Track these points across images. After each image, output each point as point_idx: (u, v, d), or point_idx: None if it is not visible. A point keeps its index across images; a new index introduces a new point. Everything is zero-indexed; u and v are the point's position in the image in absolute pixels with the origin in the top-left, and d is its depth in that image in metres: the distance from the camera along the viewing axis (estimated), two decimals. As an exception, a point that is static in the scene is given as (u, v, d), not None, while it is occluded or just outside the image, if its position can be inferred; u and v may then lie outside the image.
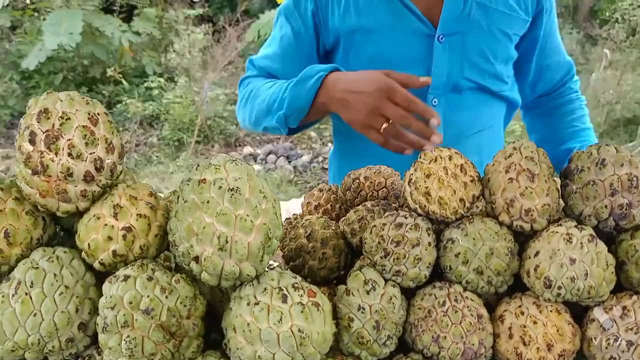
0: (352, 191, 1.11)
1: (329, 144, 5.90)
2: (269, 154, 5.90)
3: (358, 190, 1.10)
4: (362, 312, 0.75)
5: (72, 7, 6.91)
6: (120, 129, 6.49)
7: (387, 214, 0.82)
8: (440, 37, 1.37)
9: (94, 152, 0.75)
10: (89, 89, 7.12)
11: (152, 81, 6.70)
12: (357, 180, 1.11)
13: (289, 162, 5.75)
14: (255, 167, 5.63)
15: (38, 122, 0.73)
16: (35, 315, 0.71)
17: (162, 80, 6.76)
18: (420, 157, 0.81)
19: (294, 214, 1.22)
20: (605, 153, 0.76)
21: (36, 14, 7.66)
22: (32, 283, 0.72)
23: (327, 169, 5.55)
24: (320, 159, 5.72)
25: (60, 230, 0.87)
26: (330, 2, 1.43)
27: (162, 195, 0.89)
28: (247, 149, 6.06)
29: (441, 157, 0.79)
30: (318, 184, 5.16)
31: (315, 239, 0.97)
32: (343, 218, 1.04)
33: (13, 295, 0.72)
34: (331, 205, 1.15)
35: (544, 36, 1.51)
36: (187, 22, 7.80)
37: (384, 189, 1.09)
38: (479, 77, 1.43)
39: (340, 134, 1.64)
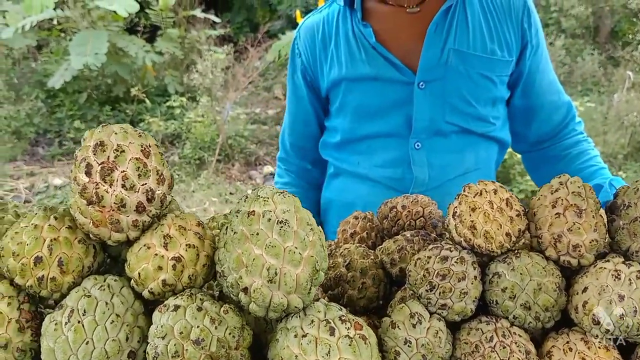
0: (389, 220, 1.12)
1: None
2: (289, 173, 5.92)
3: (395, 219, 1.11)
4: (408, 345, 0.75)
5: (98, 28, 7.08)
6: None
7: (431, 246, 0.83)
8: (421, 83, 1.41)
9: (146, 184, 0.77)
10: (112, 107, 7.26)
11: (174, 100, 6.81)
12: (395, 209, 1.12)
13: (309, 181, 5.77)
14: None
15: (94, 154, 0.75)
16: (87, 343, 0.72)
17: (183, 99, 6.86)
18: (464, 191, 0.82)
19: (329, 241, 1.23)
20: (653, 189, 0.76)
21: (62, 34, 7.85)
22: (84, 311, 0.74)
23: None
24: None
25: (107, 257, 0.89)
26: (318, 59, 1.54)
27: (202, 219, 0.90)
28: (268, 168, 6.10)
29: (486, 191, 0.80)
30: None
31: (354, 269, 0.97)
32: (381, 247, 1.05)
33: (66, 324, 0.73)
34: (367, 233, 1.15)
35: (530, 73, 1.49)
36: (209, 42, 7.94)
37: (422, 218, 1.09)
38: (462, 121, 1.45)
39: (329, 166, 1.74)
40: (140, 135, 0.80)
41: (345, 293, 0.97)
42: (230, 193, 5.29)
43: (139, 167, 0.76)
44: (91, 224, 0.76)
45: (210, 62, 6.21)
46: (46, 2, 6.36)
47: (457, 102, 1.43)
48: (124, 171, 0.76)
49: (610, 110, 6.04)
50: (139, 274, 0.77)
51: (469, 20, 1.41)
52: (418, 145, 1.46)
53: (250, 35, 8.71)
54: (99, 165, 0.75)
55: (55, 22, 7.48)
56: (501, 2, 1.44)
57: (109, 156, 0.76)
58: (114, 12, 6.92)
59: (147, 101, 6.87)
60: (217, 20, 8.37)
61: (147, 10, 7.79)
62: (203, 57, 6.54)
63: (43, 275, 0.76)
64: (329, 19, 1.54)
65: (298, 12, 7.65)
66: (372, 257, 1.00)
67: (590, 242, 0.75)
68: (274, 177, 5.86)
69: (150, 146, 0.80)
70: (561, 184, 0.79)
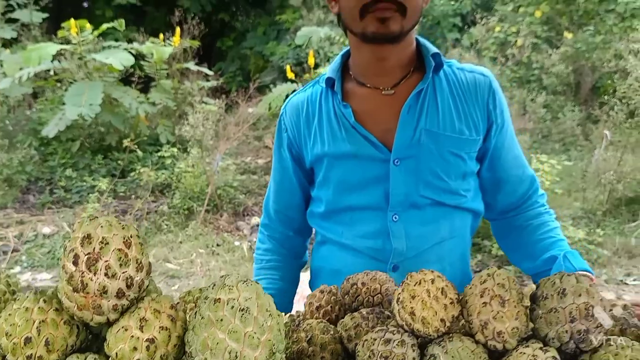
0: (350, 295, 1.23)
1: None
2: (276, 224, 6.02)
3: (356, 295, 1.22)
4: (353, 421, 0.85)
5: (94, 79, 7.29)
6: (132, 196, 6.68)
7: (377, 328, 0.94)
8: (396, 160, 1.52)
9: (126, 272, 0.88)
10: (104, 156, 7.39)
11: (165, 150, 6.96)
12: (355, 286, 1.23)
13: (296, 232, 5.86)
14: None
15: (82, 246, 0.87)
16: (67, 417, 0.82)
17: (175, 149, 7.01)
18: (407, 279, 0.94)
19: (297, 312, 1.33)
20: (566, 283, 0.88)
21: (59, 84, 8.06)
22: (66, 388, 0.84)
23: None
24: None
25: (89, 334, 0.99)
26: (302, 134, 1.65)
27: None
28: (255, 219, 6.20)
29: (425, 280, 0.92)
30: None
31: (314, 344, 1.07)
32: (341, 321, 1.15)
33: (49, 399, 0.83)
34: (331, 307, 1.25)
35: (496, 149, 1.61)
36: (202, 94, 8.17)
37: (379, 294, 1.20)
38: (434, 194, 1.55)
39: (316, 235, 1.83)
40: (124, 228, 0.91)
41: (306, 366, 1.06)
42: (217, 245, 5.37)
43: (120, 257, 0.87)
44: (76, 307, 0.87)
45: (202, 114, 6.40)
46: (44, 55, 6.58)
47: (429, 178, 1.54)
48: (107, 261, 0.87)
49: (589, 167, 6.25)
50: (117, 353, 0.87)
51: (439, 103, 1.53)
52: (395, 218, 1.56)
53: (243, 84, 8.99)
54: (85, 256, 0.86)
55: (52, 72, 7.69)
56: (468, 85, 1.57)
57: (94, 248, 0.87)
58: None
59: (139, 151, 7.00)
60: (210, 72, 8.64)
61: (141, 62, 8.04)
62: (195, 109, 6.73)
63: (32, 354, 0.86)
64: (312, 99, 1.66)
65: (288, 67, 7.92)
66: (332, 332, 1.10)
67: (512, 329, 0.87)
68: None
69: (131, 237, 0.91)
70: (489, 275, 0.91)
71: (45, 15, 9.59)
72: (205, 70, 8.53)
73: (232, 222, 6.15)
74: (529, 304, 0.92)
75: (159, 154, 7.13)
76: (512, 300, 0.88)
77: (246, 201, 6.63)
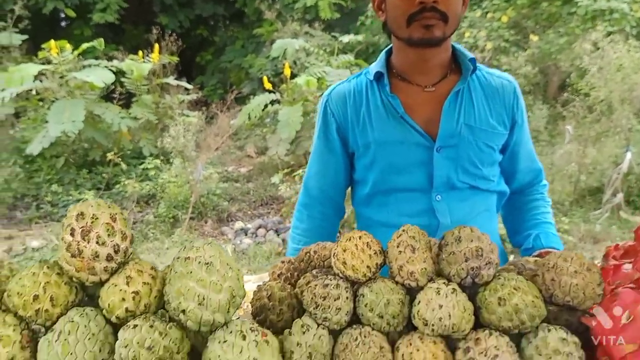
0: (304, 262, 1.46)
1: (316, 218, 6.24)
2: (259, 227, 6.24)
3: (309, 261, 1.45)
4: (299, 346, 1.07)
5: (75, 97, 7.47)
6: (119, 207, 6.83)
7: (319, 277, 1.17)
8: (438, 148, 1.75)
9: (113, 240, 1.10)
10: (89, 170, 7.55)
11: (148, 162, 7.14)
12: (309, 254, 1.45)
13: (278, 235, 6.09)
14: (245, 240, 5.95)
15: (76, 220, 1.09)
16: (71, 354, 1.03)
17: (158, 161, 7.20)
18: (340, 238, 1.17)
19: (263, 282, 1.56)
20: (462, 232, 1.12)
21: (41, 103, 8.21)
22: (69, 332, 1.05)
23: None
24: (307, 232, 6.05)
25: (85, 296, 1.20)
26: (349, 120, 1.85)
27: (160, 269, 1.23)
28: (239, 224, 6.41)
29: (354, 237, 1.15)
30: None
31: (274, 299, 1.30)
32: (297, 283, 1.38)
33: (56, 341, 1.04)
34: (290, 273, 1.48)
35: (515, 144, 1.89)
36: (182, 107, 8.38)
37: (329, 259, 1.43)
38: (471, 180, 1.80)
39: (360, 219, 2.01)
40: (110, 207, 1.13)
41: (268, 318, 1.28)
42: (202, 249, 5.56)
43: (108, 229, 1.10)
44: (74, 270, 1.09)
45: (182, 126, 6.60)
46: (26, 76, 6.75)
47: (467, 165, 1.78)
48: (97, 232, 1.09)
49: (555, 161, 6.55)
50: (109, 304, 1.08)
51: (474, 101, 1.78)
52: (438, 198, 1.79)
53: (221, 99, 9.21)
54: (80, 228, 1.08)
55: (34, 91, 7.85)
56: (497, 88, 1.82)
57: (87, 222, 1.09)
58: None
59: (123, 164, 7.17)
60: (189, 86, 8.86)
61: (122, 79, 8.24)
62: (175, 122, 6.94)
63: (39, 308, 1.08)
64: (358, 89, 1.86)
65: (265, 78, 8.17)
66: (288, 290, 1.32)
67: (421, 270, 1.10)
68: (245, 233, 6.14)
69: (116, 214, 1.13)
70: (403, 231, 1.15)
71: (25, 37, 9.74)
72: (185, 84, 8.74)
73: (217, 228, 6.35)
74: (437, 252, 1.16)
75: (143, 166, 7.31)
76: (421, 248, 1.12)
77: (229, 207, 6.83)
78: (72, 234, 1.08)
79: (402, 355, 1.08)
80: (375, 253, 1.15)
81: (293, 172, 6.73)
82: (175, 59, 8.98)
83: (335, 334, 1.14)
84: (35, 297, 1.08)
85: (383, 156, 1.80)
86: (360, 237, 1.15)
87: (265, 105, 8.03)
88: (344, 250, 1.14)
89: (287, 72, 7.76)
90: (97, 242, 1.08)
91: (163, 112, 8.36)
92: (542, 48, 9.07)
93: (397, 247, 1.13)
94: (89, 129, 7.42)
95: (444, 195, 1.79)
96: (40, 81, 7.43)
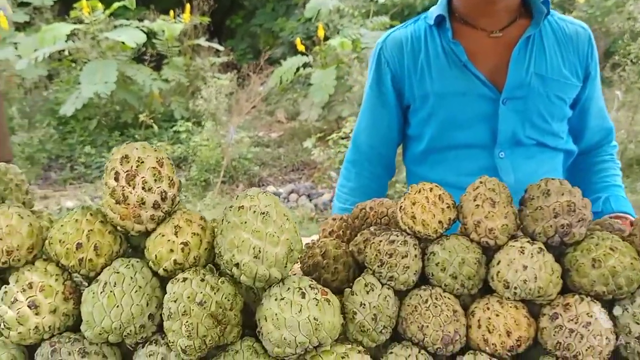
0: (359, 219, 1.35)
1: (348, 184, 6.13)
2: (291, 192, 6.16)
3: (365, 218, 1.34)
4: (363, 307, 0.97)
5: (107, 58, 7.42)
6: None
7: (382, 233, 1.05)
8: (505, 100, 1.60)
9: (160, 186, 1.01)
10: (121, 133, 7.56)
11: (180, 125, 7.10)
12: (364, 210, 1.34)
13: (310, 200, 6.00)
14: (277, 205, 5.87)
15: (120, 164, 0.99)
16: (117, 307, 0.95)
17: (189, 124, 7.15)
18: (409, 190, 1.05)
19: (312, 240, 1.46)
20: (551, 185, 0.99)
21: (73, 64, 8.20)
22: (115, 283, 0.97)
23: (346, 207, 5.78)
24: (340, 197, 5.95)
25: (128, 247, 1.12)
26: (406, 69, 1.69)
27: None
28: (271, 188, 6.34)
29: (424, 189, 1.03)
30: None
31: (329, 257, 1.20)
32: (352, 241, 1.27)
33: (101, 293, 0.96)
34: (342, 231, 1.37)
35: (587, 99, 1.72)
36: (213, 70, 8.27)
37: (386, 217, 1.32)
38: (539, 135, 1.65)
39: (413, 178, 1.87)
40: (156, 150, 1.03)
41: (321, 277, 1.19)
42: (234, 212, 5.53)
43: (154, 174, 1.00)
44: (118, 217, 1.00)
45: (215, 88, 6.51)
46: (59, 35, 6.71)
47: (535, 119, 1.64)
48: (143, 177, 0.99)
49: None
50: (156, 255, 1.00)
51: (546, 48, 1.63)
52: (502, 155, 1.65)
53: (253, 62, 9.06)
54: (125, 172, 0.99)
55: (66, 52, 7.83)
56: (570, 35, 1.66)
57: (132, 166, 0.99)
58: (122, 42, 7.29)
59: (155, 126, 7.15)
60: (221, 48, 8.72)
61: (153, 40, 8.15)
62: (207, 84, 6.84)
63: (82, 257, 0.99)
64: (416, 35, 1.71)
65: (298, 40, 7.97)
66: (344, 248, 1.22)
67: (502, 226, 0.98)
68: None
69: (163, 158, 1.03)
70: (481, 183, 1.02)
71: (57, -3, 9.69)
72: (216, 45, 8.61)
73: (248, 192, 6.30)
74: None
75: (174, 129, 7.28)
76: (501, 202, 0.99)
77: (260, 172, 6.77)
78: (116, 179, 0.99)
79: (479, 320, 0.97)
80: (448, 207, 1.03)
81: (326, 137, 6.60)
82: (207, 19, 8.83)
83: (400, 295, 1.03)
84: (79, 246, 0.99)
85: (442, 109, 1.66)
86: (431, 189, 1.03)
87: (297, 69, 7.86)
88: (413, 204, 1.02)
89: (321, 33, 7.55)
90: (143, 188, 0.99)
91: (194, 74, 8.27)
92: (590, 11, 8.61)
93: (474, 200, 1.01)
94: (121, 91, 7.39)
95: (508, 152, 1.64)
96: (73, 41, 7.39)
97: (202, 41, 8.48)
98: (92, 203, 5.59)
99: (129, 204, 0.99)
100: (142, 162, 1.00)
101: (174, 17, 8.41)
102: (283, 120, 9.72)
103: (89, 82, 6.74)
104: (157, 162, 1.01)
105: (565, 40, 1.65)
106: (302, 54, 7.94)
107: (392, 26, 8.46)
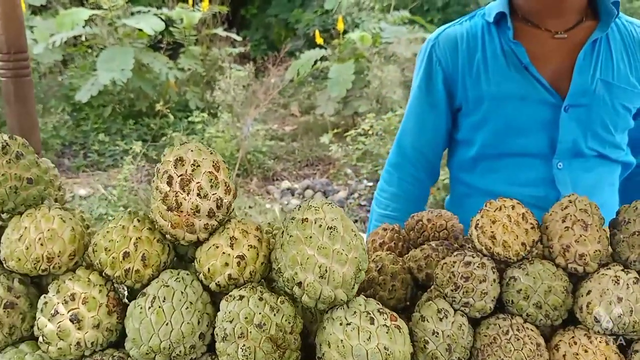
0: (415, 231, 1.25)
1: (365, 181, 6.05)
2: (307, 188, 6.07)
3: (421, 231, 1.24)
4: (436, 336, 0.88)
5: (124, 45, 7.33)
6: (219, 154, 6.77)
7: (456, 253, 0.96)
8: (567, 107, 1.50)
9: (216, 193, 0.92)
10: (135, 121, 7.48)
11: (195, 116, 7.01)
12: (421, 222, 1.25)
13: (326, 197, 5.91)
14: (293, 201, 5.80)
15: (175, 167, 0.90)
16: (167, 324, 0.86)
17: (205, 115, 7.06)
18: (486, 206, 0.95)
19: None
20: (648, 207, 0.89)
21: (89, 50, 8.13)
22: (164, 298, 0.88)
23: (363, 205, 5.69)
24: (356, 195, 5.86)
25: (174, 257, 1.03)
26: (460, 69, 1.58)
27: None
28: (285, 183, 6.25)
29: (505, 206, 0.93)
30: (355, 220, 5.29)
31: (385, 273, 1.11)
32: (408, 255, 1.18)
33: (149, 308, 0.88)
34: (394, 243, 1.28)
35: None
36: (229, 60, 8.17)
37: (445, 230, 1.22)
38: (601, 147, 1.55)
39: (458, 185, 1.77)
40: (212, 153, 0.94)
41: (377, 294, 1.10)
42: (250, 207, 5.45)
43: (211, 179, 0.91)
44: (169, 225, 0.91)
45: (232, 79, 6.41)
46: (77, 20, 6.63)
47: (598, 129, 1.53)
48: (199, 182, 0.90)
49: None
50: (208, 269, 0.91)
51: (613, 53, 1.53)
52: (560, 166, 1.54)
53: (267, 53, 8.95)
54: (179, 177, 0.90)
55: (84, 38, 7.75)
56: (638, 40, 1.56)
57: (187, 170, 0.90)
58: (140, 29, 7.20)
59: (170, 116, 7.07)
60: (239, 38, 8.61)
61: (171, 28, 8.05)
62: (225, 75, 6.75)
63: (129, 268, 0.91)
64: (473, 32, 1.60)
65: (317, 32, 7.85)
66: (401, 263, 1.13)
67: (594, 252, 0.88)
68: (291, 193, 6.00)
69: (219, 162, 0.94)
70: (570, 202, 0.93)
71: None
72: (234, 36, 8.50)
73: (262, 186, 6.22)
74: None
75: (189, 119, 7.19)
76: (594, 224, 0.90)
77: (275, 166, 6.67)
78: (169, 183, 0.90)
79: (564, 355, 0.87)
80: (532, 227, 0.94)
81: (343, 133, 6.49)
82: (225, 8, 8.72)
83: (473, 324, 0.94)
84: (126, 255, 0.91)
85: (498, 114, 1.55)
86: (513, 207, 0.94)
87: (315, 62, 7.75)
88: (493, 222, 0.92)
89: (341, 25, 7.42)
90: (198, 195, 0.90)
91: (210, 64, 8.16)
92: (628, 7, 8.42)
93: (563, 221, 0.91)
94: (136, 79, 7.30)
95: (566, 163, 1.54)
96: (90, 27, 7.31)
97: (220, 31, 8.37)
98: (105, 192, 5.51)
99: (182, 212, 0.90)
100: (198, 165, 0.91)
101: (193, 5, 8.31)
102: (297, 113, 9.61)
103: (105, 68, 6.65)
104: (213, 166, 0.93)
105: (634, 45, 1.55)
106: (320, 47, 7.82)
107: (412, 21, 8.36)
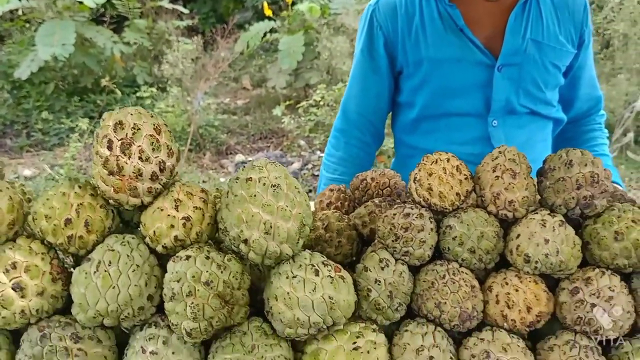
0: (360, 190, 1.29)
1: (318, 152, 6.08)
2: (260, 161, 6.04)
3: (365, 189, 1.28)
4: (378, 284, 0.92)
5: (64, 19, 7.01)
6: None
7: (396, 206, 1.00)
8: (500, 67, 1.55)
9: (158, 156, 0.92)
10: (81, 98, 7.22)
11: (144, 91, 6.83)
12: (365, 181, 1.28)
13: (280, 169, 5.90)
14: (246, 174, 5.77)
15: (114, 131, 0.90)
16: (114, 288, 0.87)
17: (153, 89, 6.89)
18: (423, 160, 0.99)
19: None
20: (573, 155, 0.95)
21: (27, 25, 7.74)
22: (109, 262, 0.88)
23: (316, 175, 5.72)
24: (310, 166, 5.89)
25: (120, 222, 1.03)
26: (399, 33, 1.61)
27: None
28: (239, 157, 6.22)
29: (440, 160, 0.98)
30: (309, 190, 5.33)
31: (331, 230, 1.14)
32: (353, 213, 1.22)
33: (94, 273, 0.88)
34: (341, 202, 1.32)
35: (579, 67, 1.69)
36: (177, 33, 7.96)
37: (388, 188, 1.27)
38: (532, 104, 1.62)
39: (402, 147, 1.82)
40: (152, 116, 0.94)
41: (324, 251, 1.13)
42: (203, 181, 5.40)
43: (152, 142, 0.91)
44: (112, 190, 0.91)
45: (180, 52, 6.26)
46: (11, -7, 6.29)
47: (530, 87, 1.60)
48: (140, 146, 0.90)
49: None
50: (154, 232, 0.92)
51: (543, 14, 1.58)
52: (495, 123, 1.61)
53: (216, 26, 8.75)
54: (119, 141, 0.89)
55: (20, 12, 7.37)
56: (567, 2, 1.62)
57: (127, 133, 0.90)
58: (80, 2, 6.89)
59: (117, 92, 6.86)
60: (185, 11, 8.38)
61: (113, 1, 7.75)
62: (172, 48, 6.58)
63: (72, 234, 0.90)
64: None
65: (265, 4, 7.73)
66: (346, 220, 1.16)
67: (522, 199, 0.94)
68: (245, 165, 6.00)
69: (160, 125, 0.94)
70: (500, 153, 0.97)
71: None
72: (181, 8, 8.27)
73: (216, 160, 6.16)
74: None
75: (137, 94, 7.00)
76: (522, 173, 0.95)
77: (228, 140, 6.61)
78: (109, 147, 0.89)
79: (497, 295, 0.93)
80: (465, 178, 0.98)
81: (295, 105, 6.48)
82: (170, -20, 8.44)
83: (413, 271, 0.99)
84: (68, 222, 0.90)
85: (436, 76, 1.60)
86: (448, 160, 0.98)
87: (265, 34, 7.64)
88: (430, 175, 0.96)
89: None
90: (139, 158, 0.90)
91: (157, 38, 7.93)
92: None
93: (493, 171, 0.96)
94: (79, 54, 7.01)
95: (501, 121, 1.61)
96: (27, 0, 6.94)
97: (166, 3, 8.12)
98: (52, 172, 5.34)
99: (124, 176, 0.90)
100: (139, 129, 0.91)
101: (135, -23, 8.00)
102: (249, 87, 9.51)
103: (45, 43, 6.35)
104: (154, 129, 0.92)
105: (562, 6, 1.61)
106: (269, 18, 7.71)
107: (361, -8, 8.32)
